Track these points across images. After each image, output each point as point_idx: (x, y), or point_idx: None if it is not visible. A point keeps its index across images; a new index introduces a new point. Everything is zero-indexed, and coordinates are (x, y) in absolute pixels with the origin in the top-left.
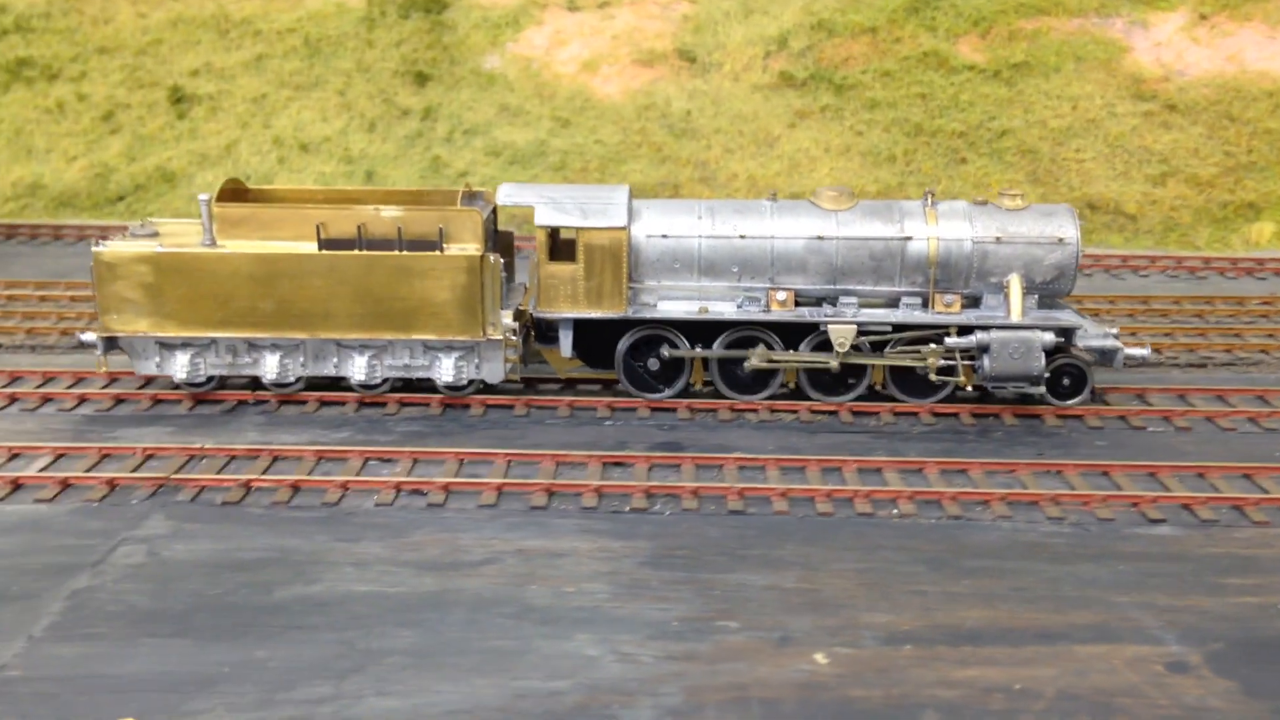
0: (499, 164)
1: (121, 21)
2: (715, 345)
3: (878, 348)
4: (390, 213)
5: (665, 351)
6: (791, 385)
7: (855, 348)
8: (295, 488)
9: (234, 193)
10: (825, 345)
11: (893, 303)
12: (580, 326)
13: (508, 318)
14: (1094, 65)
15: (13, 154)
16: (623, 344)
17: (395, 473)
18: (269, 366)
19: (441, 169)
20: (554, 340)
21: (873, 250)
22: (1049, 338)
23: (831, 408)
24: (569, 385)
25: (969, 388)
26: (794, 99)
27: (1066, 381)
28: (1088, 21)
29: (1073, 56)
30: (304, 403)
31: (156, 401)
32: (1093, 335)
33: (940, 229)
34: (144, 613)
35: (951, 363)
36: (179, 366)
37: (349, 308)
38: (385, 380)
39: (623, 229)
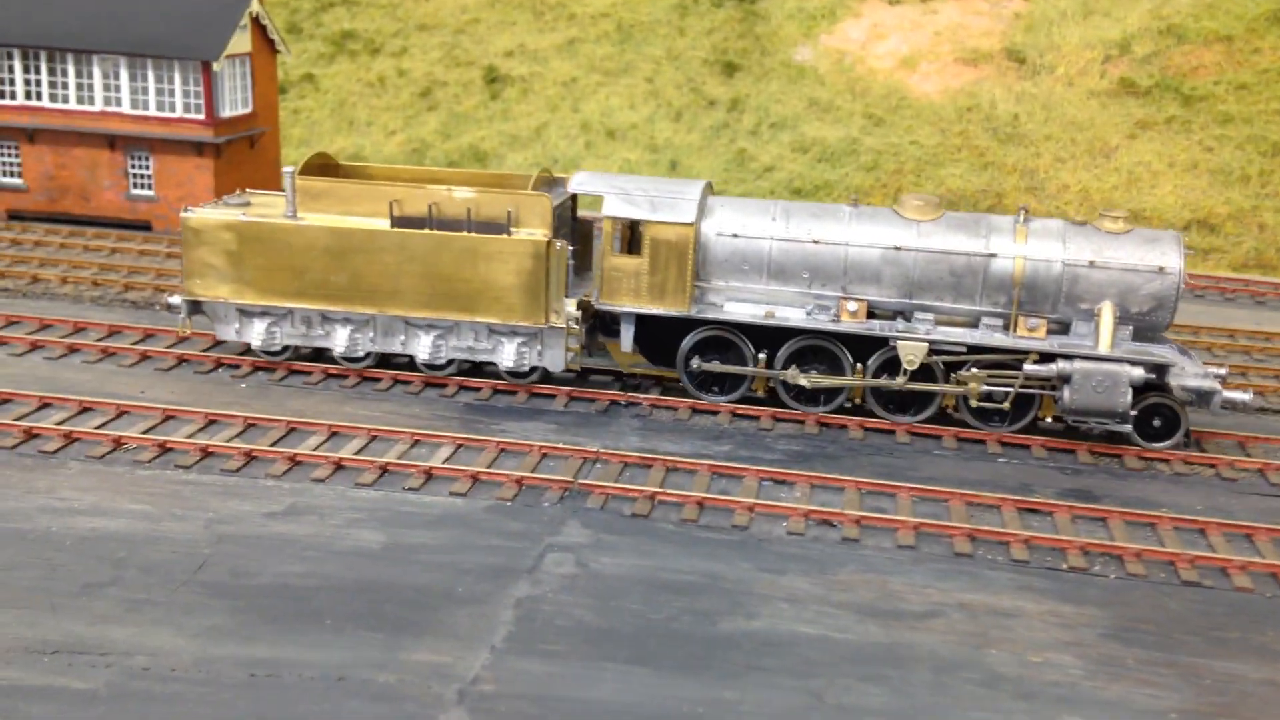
0: (806, 160)
1: None
2: (780, 353)
3: (953, 369)
4: (462, 194)
5: (707, 364)
6: (857, 401)
7: (927, 367)
8: (700, 504)
9: (322, 167)
10: (895, 361)
11: (973, 322)
12: (644, 322)
13: (571, 306)
14: None
15: (336, 124)
16: (686, 343)
17: (796, 498)
18: (339, 339)
19: (746, 162)
20: (618, 333)
21: (953, 265)
22: (1138, 373)
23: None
24: (941, 415)
25: (1049, 419)
26: (1135, 108)
27: (1157, 422)
28: None
29: None
30: (675, 409)
31: (532, 395)
32: (1190, 374)
33: (1029, 248)
34: (594, 631)
35: (1031, 391)
36: (256, 334)
37: (417, 286)
38: (450, 361)
39: (690, 225)
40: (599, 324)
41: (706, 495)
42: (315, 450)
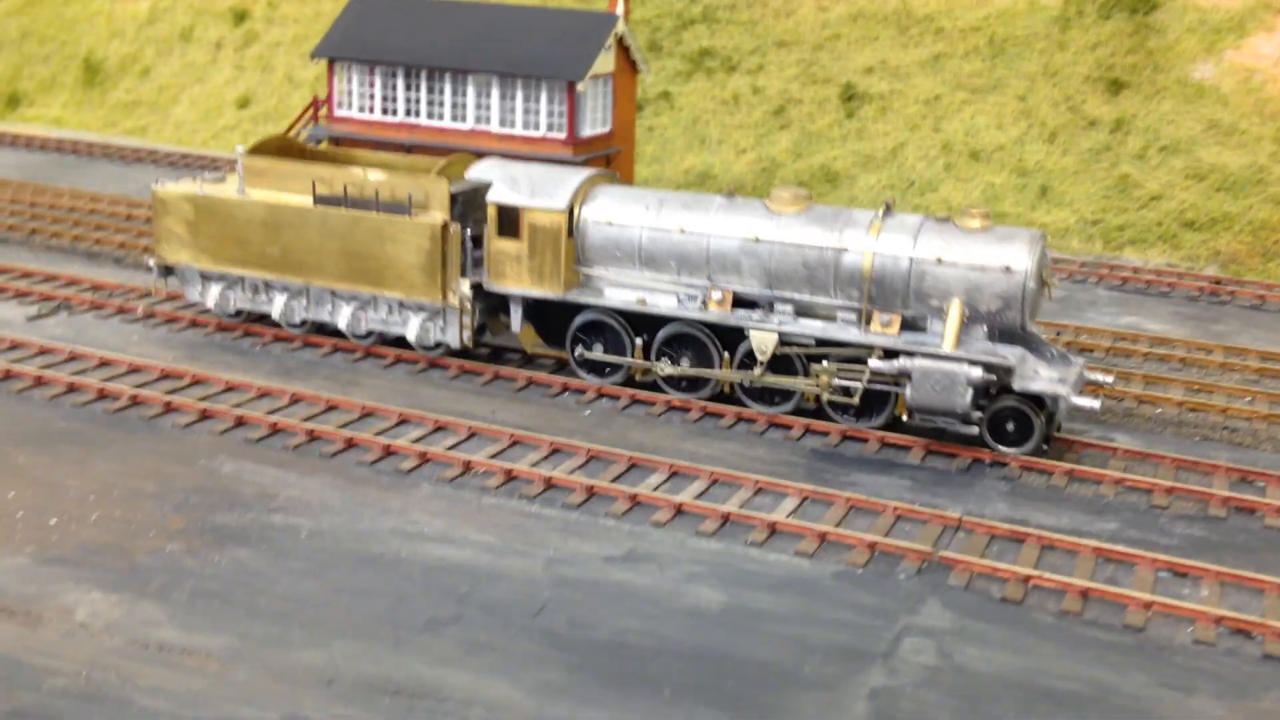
0: (1202, 190)
1: (802, 15)
2: (657, 339)
3: (814, 361)
4: (374, 176)
5: (580, 352)
6: (726, 390)
7: (785, 358)
8: (1084, 595)
9: (280, 148)
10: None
11: (831, 316)
12: (540, 305)
13: (466, 286)
14: None
15: (688, 142)
16: (573, 325)
17: (1203, 598)
18: (277, 306)
19: (1130, 190)
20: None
21: (806, 258)
22: (976, 374)
23: None
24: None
25: (903, 416)
26: None
27: (1011, 426)
28: None
29: None
30: (1050, 473)
31: (884, 445)
32: (1040, 379)
33: (880, 243)
34: None
35: (878, 388)
36: (211, 297)
37: (337, 261)
38: (371, 333)
39: (562, 211)
40: (503, 305)
41: (1092, 584)
42: (656, 491)
